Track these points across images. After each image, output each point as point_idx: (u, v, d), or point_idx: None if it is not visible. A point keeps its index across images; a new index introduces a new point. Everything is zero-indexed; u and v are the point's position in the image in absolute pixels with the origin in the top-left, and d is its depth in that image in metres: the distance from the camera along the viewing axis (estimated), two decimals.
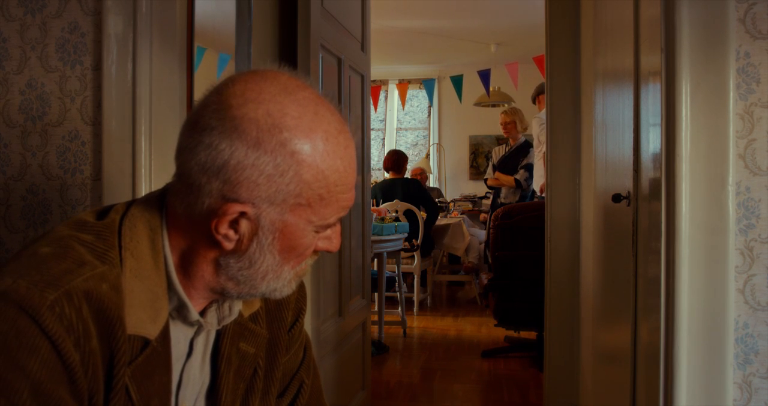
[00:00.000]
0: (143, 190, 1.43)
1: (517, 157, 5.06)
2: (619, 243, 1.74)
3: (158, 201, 0.85)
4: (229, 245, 0.79)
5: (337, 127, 0.79)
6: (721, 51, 1.22)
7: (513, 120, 5.09)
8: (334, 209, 0.80)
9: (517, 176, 4.98)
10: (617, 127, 1.80)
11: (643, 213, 1.45)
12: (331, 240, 0.85)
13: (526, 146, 5.07)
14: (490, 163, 5.31)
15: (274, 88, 0.76)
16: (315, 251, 0.85)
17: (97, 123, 1.48)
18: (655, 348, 1.28)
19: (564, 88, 2.62)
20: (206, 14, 1.73)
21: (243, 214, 0.76)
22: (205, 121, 0.76)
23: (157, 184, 1.45)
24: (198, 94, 1.69)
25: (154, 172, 1.45)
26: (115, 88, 1.45)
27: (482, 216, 6.28)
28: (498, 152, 5.28)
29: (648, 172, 1.40)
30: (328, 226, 0.82)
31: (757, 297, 1.24)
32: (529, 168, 4.94)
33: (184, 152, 0.78)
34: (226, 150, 0.74)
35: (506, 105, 6.75)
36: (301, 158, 0.75)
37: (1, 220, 1.53)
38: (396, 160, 5.40)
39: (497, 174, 5.12)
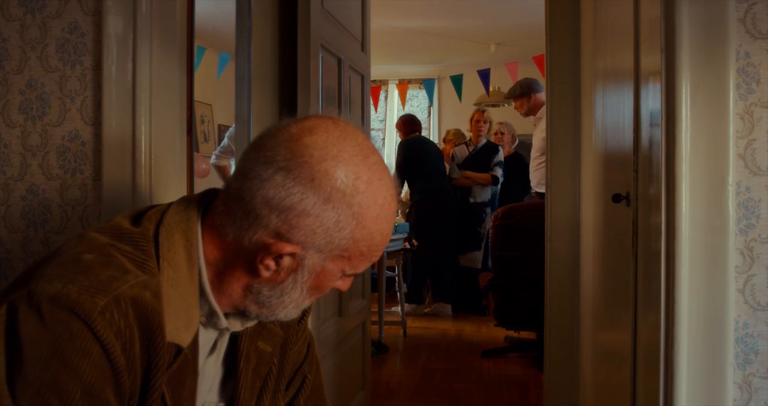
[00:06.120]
0: (143, 191, 1.43)
1: (486, 156, 5.23)
2: (619, 243, 1.74)
3: (196, 210, 0.87)
4: (266, 274, 0.83)
5: (393, 194, 0.84)
6: (721, 51, 1.22)
7: (489, 121, 5.35)
8: (366, 263, 0.86)
9: (495, 173, 5.16)
10: (617, 127, 1.80)
11: (643, 213, 1.45)
12: (345, 283, 0.90)
13: (495, 146, 5.31)
14: (454, 163, 5.38)
15: (353, 149, 0.81)
16: None
17: (97, 123, 1.48)
18: (655, 348, 1.28)
19: (564, 88, 2.62)
20: (206, 14, 1.73)
21: (291, 254, 0.81)
22: (282, 161, 0.79)
23: (157, 185, 1.45)
24: (198, 94, 1.70)
25: (154, 173, 1.45)
26: (115, 88, 1.45)
27: None
28: (462, 152, 5.37)
29: (648, 172, 1.40)
30: (354, 274, 0.88)
31: (757, 297, 1.24)
32: (502, 165, 5.18)
33: (252, 180, 0.80)
34: (297, 195, 0.78)
35: (506, 105, 6.75)
36: (360, 220, 0.80)
37: (1, 220, 1.54)
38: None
39: (468, 172, 5.25)
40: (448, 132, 6.17)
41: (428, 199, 5.14)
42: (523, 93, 4.32)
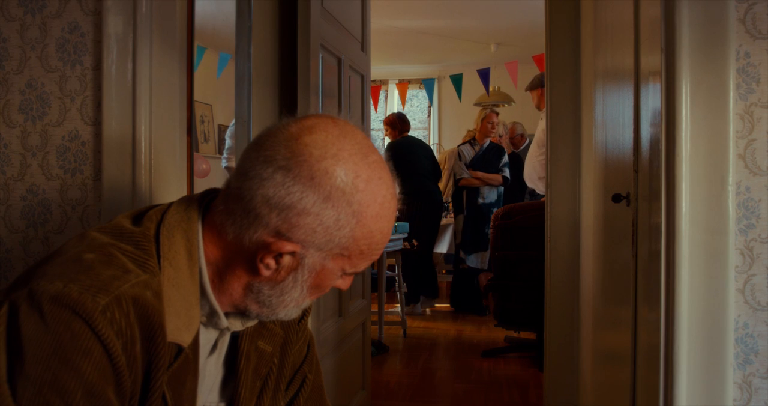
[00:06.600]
0: (143, 191, 1.43)
1: (494, 157, 5.24)
2: (619, 243, 1.74)
3: (196, 209, 0.87)
4: (266, 273, 0.83)
5: (392, 192, 0.84)
6: (721, 51, 1.22)
7: (499, 123, 5.36)
8: (366, 261, 0.86)
9: (505, 174, 5.20)
10: (617, 127, 1.80)
11: (643, 213, 1.45)
12: (345, 281, 0.91)
13: (500, 147, 5.34)
14: (461, 163, 5.30)
15: (352, 148, 0.81)
16: None
17: (97, 123, 1.48)
18: (655, 348, 1.28)
19: (564, 88, 2.62)
20: (206, 14, 1.73)
21: (291, 252, 0.81)
22: (282, 160, 0.79)
23: (157, 185, 1.45)
24: (198, 94, 1.69)
25: (154, 173, 1.45)
26: (115, 88, 1.45)
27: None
28: (468, 152, 5.33)
29: (648, 172, 1.40)
30: (355, 273, 0.88)
31: (757, 297, 1.24)
32: (509, 166, 5.26)
33: (252, 179, 0.80)
34: (297, 194, 0.78)
35: (506, 105, 6.74)
36: (360, 218, 0.80)
37: (1, 220, 1.53)
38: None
39: (479, 173, 5.22)
40: (468, 132, 6.12)
41: (416, 201, 5.11)
42: (534, 86, 4.29)
